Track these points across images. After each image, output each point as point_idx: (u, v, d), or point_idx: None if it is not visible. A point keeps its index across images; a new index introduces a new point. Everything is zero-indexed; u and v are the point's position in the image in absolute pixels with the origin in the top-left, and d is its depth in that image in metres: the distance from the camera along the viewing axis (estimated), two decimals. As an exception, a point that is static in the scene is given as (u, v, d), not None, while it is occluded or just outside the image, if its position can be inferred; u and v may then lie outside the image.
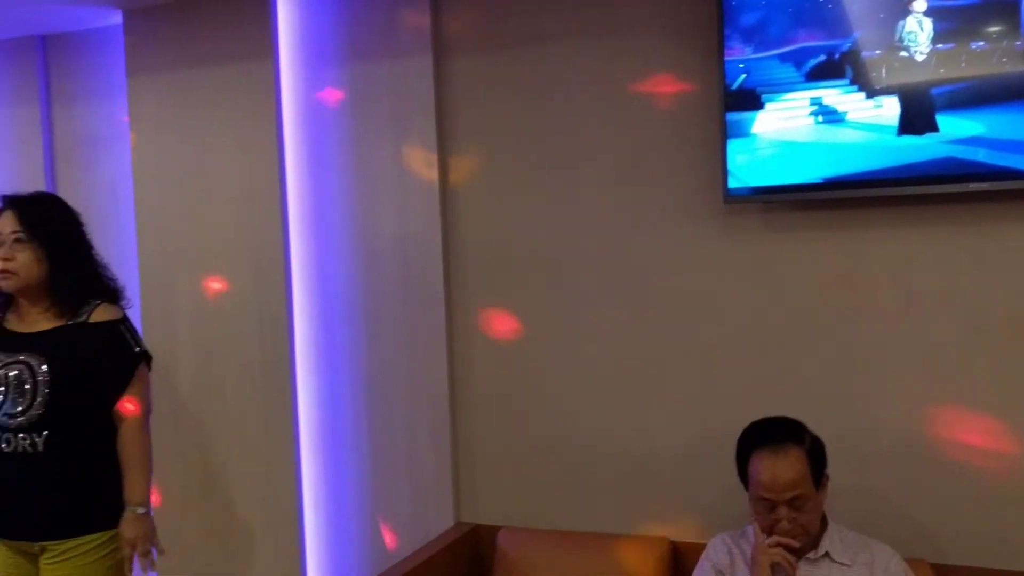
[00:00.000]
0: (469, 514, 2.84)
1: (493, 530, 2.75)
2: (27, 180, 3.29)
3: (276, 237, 2.93)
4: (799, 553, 2.07)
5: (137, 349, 2.45)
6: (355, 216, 2.91)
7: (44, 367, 2.33)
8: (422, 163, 2.80)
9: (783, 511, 2.04)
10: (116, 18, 3.13)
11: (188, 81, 3.03)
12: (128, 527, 2.37)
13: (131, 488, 2.40)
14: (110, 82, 3.26)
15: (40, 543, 2.36)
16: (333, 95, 2.91)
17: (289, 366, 2.94)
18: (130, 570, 2.40)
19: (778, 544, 2.04)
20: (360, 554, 2.95)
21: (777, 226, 2.47)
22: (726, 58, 2.37)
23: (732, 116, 2.39)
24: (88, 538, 2.35)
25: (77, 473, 2.36)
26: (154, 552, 2.43)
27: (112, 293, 2.47)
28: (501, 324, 2.78)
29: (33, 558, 2.39)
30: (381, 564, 2.80)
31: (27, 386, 2.32)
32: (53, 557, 2.35)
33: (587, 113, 2.64)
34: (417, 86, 2.79)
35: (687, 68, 2.52)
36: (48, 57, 3.38)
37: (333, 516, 2.99)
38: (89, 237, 2.48)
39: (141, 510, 2.39)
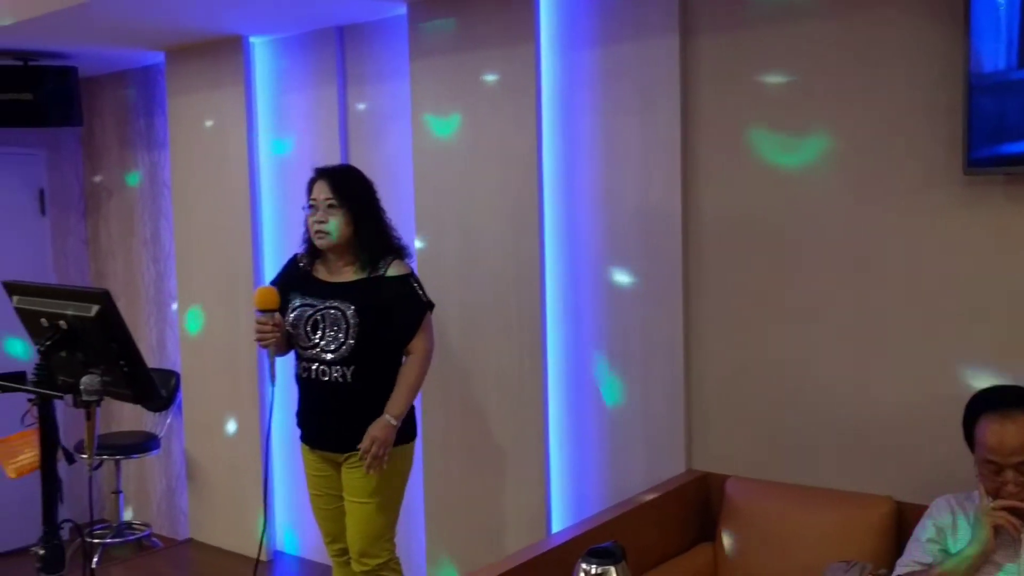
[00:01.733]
0: (700, 461, 3.02)
1: (722, 478, 2.89)
2: (326, 153, 3.80)
3: (533, 205, 3.24)
4: (1024, 518, 2.09)
5: (424, 300, 2.86)
6: (601, 186, 3.15)
7: (352, 312, 2.78)
8: (665, 138, 2.99)
9: (1009, 475, 2.06)
10: (402, 9, 3.55)
11: (461, 64, 3.39)
12: (375, 428, 2.76)
13: (393, 401, 2.79)
14: (395, 66, 3.67)
15: (345, 454, 2.84)
16: (587, 74, 3.17)
17: (540, 317, 3.25)
18: (363, 459, 2.73)
19: (1003, 508, 2.07)
20: (596, 489, 3.22)
21: (1020, 197, 2.43)
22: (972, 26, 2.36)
23: (977, 82, 2.37)
24: None
25: (376, 400, 2.80)
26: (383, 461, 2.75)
27: (400, 250, 2.89)
28: (734, 283, 2.92)
29: (335, 464, 2.89)
30: (614, 500, 3.02)
31: (341, 327, 2.78)
32: (354, 463, 2.82)
33: (826, 86, 2.71)
34: (663, 64, 2.98)
35: (932, 37, 2.52)
36: (345, 45, 3.84)
37: (574, 453, 3.29)
38: (381, 202, 2.91)
39: (392, 421, 2.77)
